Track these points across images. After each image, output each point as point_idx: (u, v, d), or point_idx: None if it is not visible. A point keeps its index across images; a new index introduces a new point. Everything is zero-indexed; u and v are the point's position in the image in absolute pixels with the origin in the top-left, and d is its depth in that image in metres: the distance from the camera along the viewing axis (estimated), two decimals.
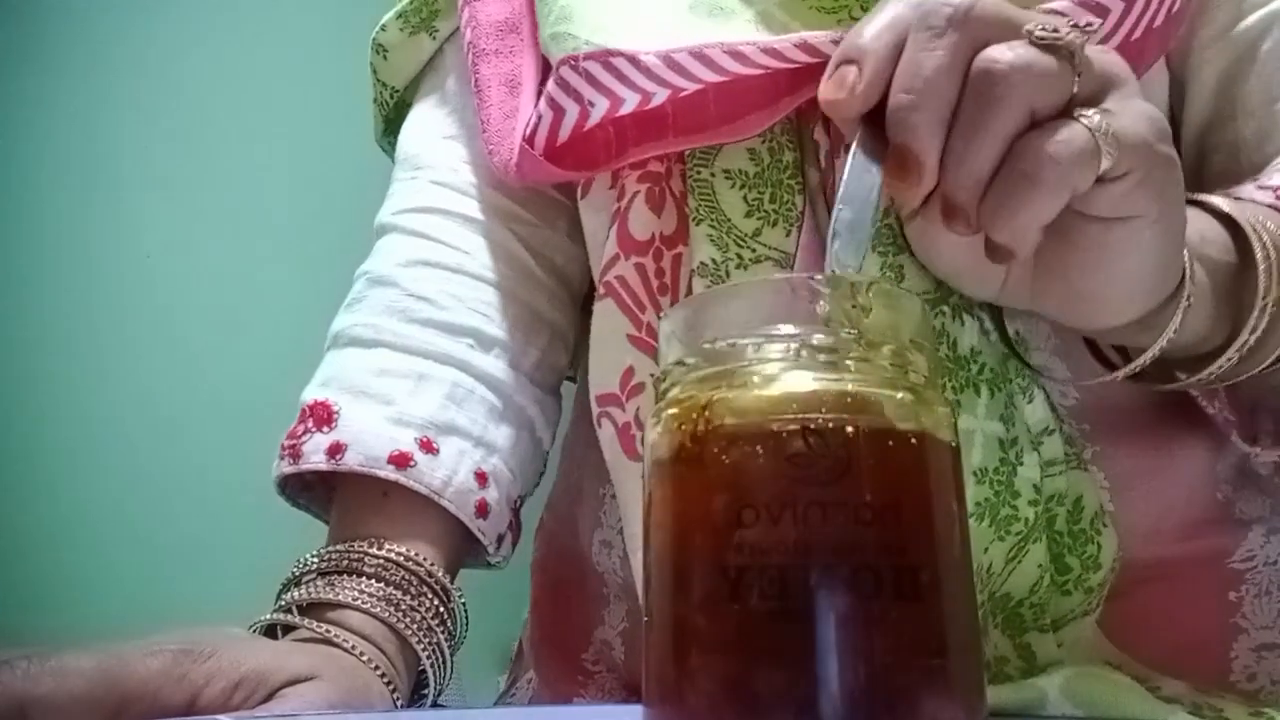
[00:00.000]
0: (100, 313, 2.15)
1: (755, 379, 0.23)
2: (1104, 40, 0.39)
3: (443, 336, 0.52)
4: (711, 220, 0.43)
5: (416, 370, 0.51)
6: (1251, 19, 0.45)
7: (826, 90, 0.29)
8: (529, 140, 0.45)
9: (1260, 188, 0.40)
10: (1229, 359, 0.36)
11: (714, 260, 0.43)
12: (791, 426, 0.21)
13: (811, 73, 0.41)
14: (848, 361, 0.22)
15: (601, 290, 0.46)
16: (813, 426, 0.21)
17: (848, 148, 0.32)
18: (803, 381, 0.22)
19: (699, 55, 0.41)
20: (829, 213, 0.43)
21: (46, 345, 2.08)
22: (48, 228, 2.10)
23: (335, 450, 0.49)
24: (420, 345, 0.52)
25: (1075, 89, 0.29)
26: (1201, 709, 0.36)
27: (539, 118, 0.45)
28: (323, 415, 0.50)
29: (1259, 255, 0.35)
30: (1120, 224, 0.31)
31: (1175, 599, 0.44)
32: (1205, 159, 0.47)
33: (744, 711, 0.20)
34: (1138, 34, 0.39)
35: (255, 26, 2.47)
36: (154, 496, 2.15)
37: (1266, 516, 0.46)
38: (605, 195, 0.47)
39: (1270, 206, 0.39)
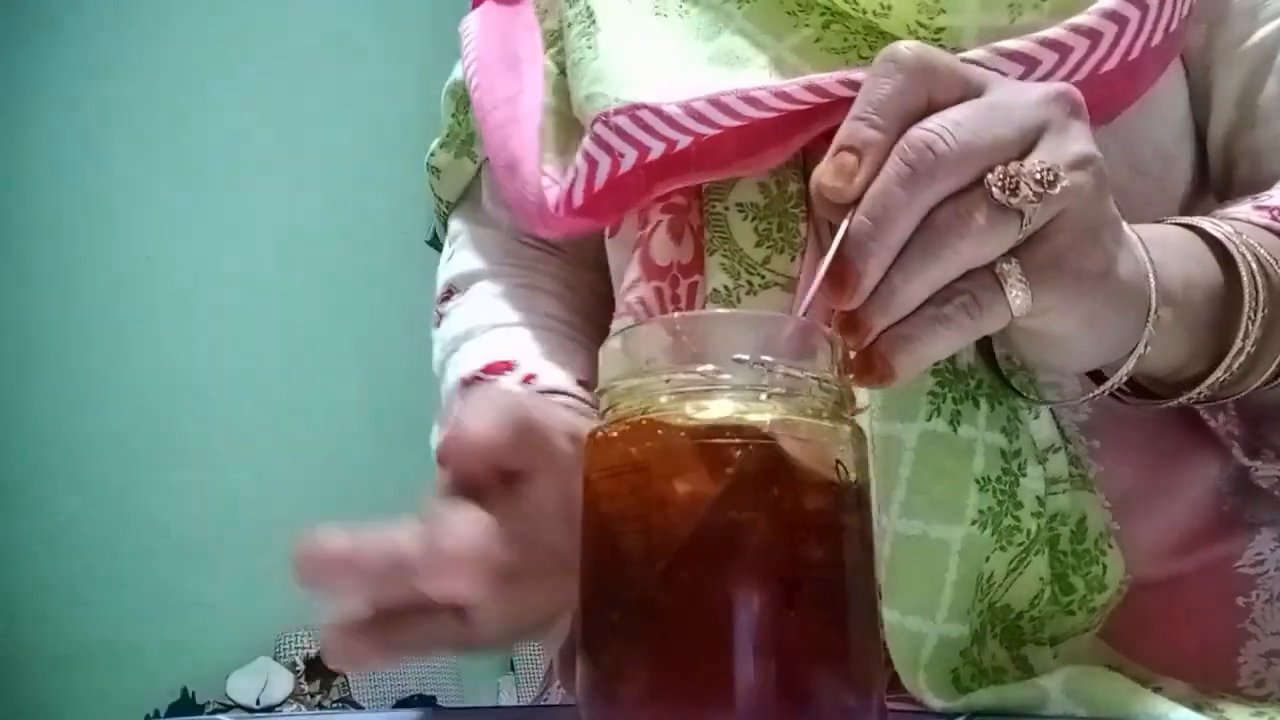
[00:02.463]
0: (100, 313, 2.15)
1: (689, 403, 0.25)
2: (1101, 62, 0.40)
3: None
4: (725, 250, 0.46)
5: (548, 344, 0.55)
6: (1266, 30, 0.46)
7: (825, 175, 0.31)
8: (568, 193, 0.48)
9: (1258, 207, 0.41)
10: (1217, 378, 0.37)
11: (726, 287, 0.45)
12: (719, 446, 0.24)
13: (822, 111, 0.44)
14: (777, 392, 0.25)
15: (622, 309, 0.48)
16: (738, 449, 0.24)
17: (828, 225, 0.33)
18: (732, 408, 0.24)
19: (716, 103, 0.43)
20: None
21: (47, 345, 2.08)
22: (48, 228, 2.10)
23: (527, 380, 0.52)
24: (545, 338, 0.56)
25: (1015, 239, 0.30)
26: (1203, 709, 0.36)
27: (575, 172, 0.47)
28: (502, 368, 0.54)
29: (1244, 275, 0.36)
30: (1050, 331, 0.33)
31: (1180, 605, 0.44)
32: (1232, 166, 0.47)
33: (671, 708, 0.23)
34: (1135, 54, 0.40)
35: (256, 29, 2.48)
36: (153, 495, 2.15)
37: (1278, 520, 0.45)
38: (634, 233, 0.49)
39: (1265, 227, 0.39)
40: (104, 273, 2.17)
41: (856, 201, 0.30)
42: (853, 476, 0.25)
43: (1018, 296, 0.31)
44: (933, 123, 0.30)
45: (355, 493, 2.46)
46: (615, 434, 0.26)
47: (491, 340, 0.56)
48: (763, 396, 0.24)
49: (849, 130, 0.31)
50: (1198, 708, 0.35)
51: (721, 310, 0.43)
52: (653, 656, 0.23)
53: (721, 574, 0.23)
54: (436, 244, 0.72)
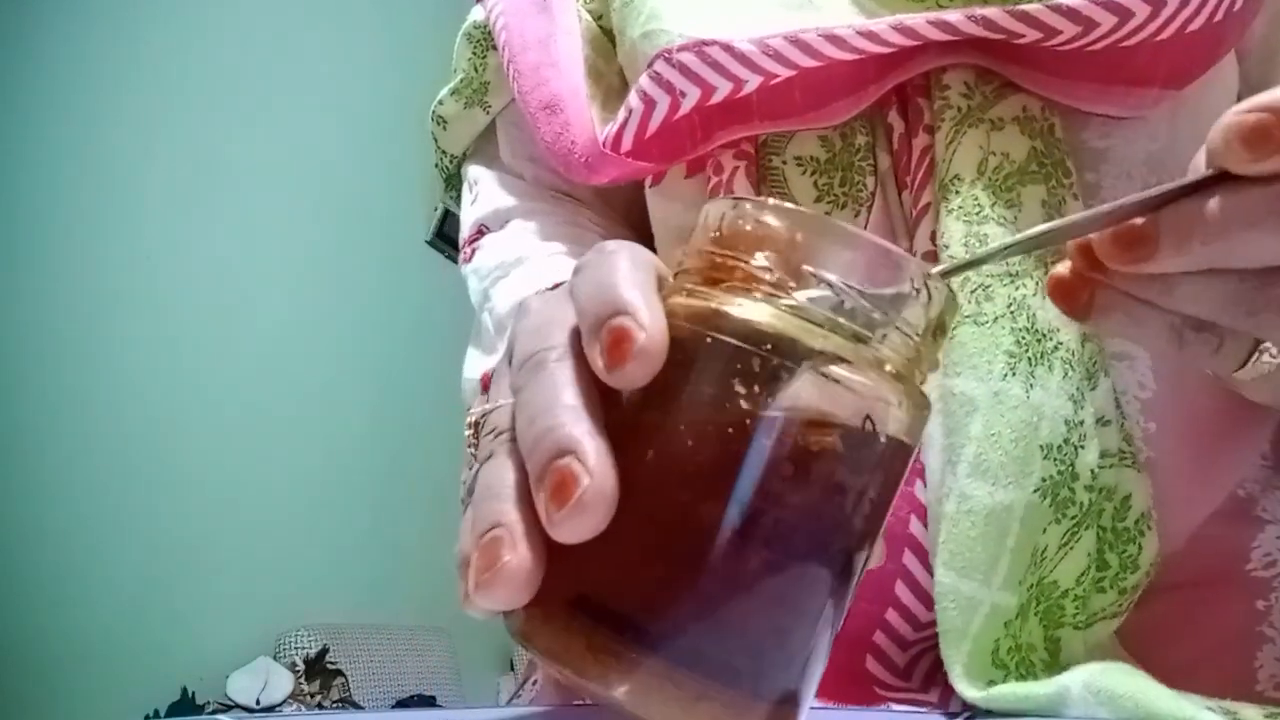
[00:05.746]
0: (100, 312, 2.14)
1: (737, 297, 0.22)
2: (1187, 22, 0.39)
3: None
4: None
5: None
6: None
7: (1238, 129, 0.23)
8: (617, 134, 0.46)
9: None
10: None
11: None
12: (738, 349, 0.22)
13: (898, 60, 0.42)
14: (841, 323, 0.22)
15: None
16: (757, 358, 0.21)
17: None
18: (770, 315, 0.22)
19: (795, 41, 0.41)
20: (899, 195, 0.44)
21: (46, 345, 2.07)
22: (48, 228, 2.10)
23: None
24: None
25: None
26: (1214, 711, 0.36)
27: (629, 112, 0.45)
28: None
29: None
30: None
31: (1194, 607, 0.44)
32: None
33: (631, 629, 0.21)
34: (1219, 16, 0.39)
35: (256, 27, 2.47)
36: (152, 495, 2.15)
37: None
38: (681, 184, 0.48)
39: None
40: (104, 273, 2.16)
41: (1223, 174, 0.24)
42: (881, 439, 0.22)
43: (1253, 372, 0.27)
44: None
45: (355, 493, 2.46)
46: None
47: (555, 265, 0.52)
48: (823, 322, 0.22)
49: None
50: (1210, 710, 0.35)
51: (823, 216, 0.42)
52: (607, 538, 0.21)
53: (688, 479, 0.21)
54: (436, 244, 0.69)
